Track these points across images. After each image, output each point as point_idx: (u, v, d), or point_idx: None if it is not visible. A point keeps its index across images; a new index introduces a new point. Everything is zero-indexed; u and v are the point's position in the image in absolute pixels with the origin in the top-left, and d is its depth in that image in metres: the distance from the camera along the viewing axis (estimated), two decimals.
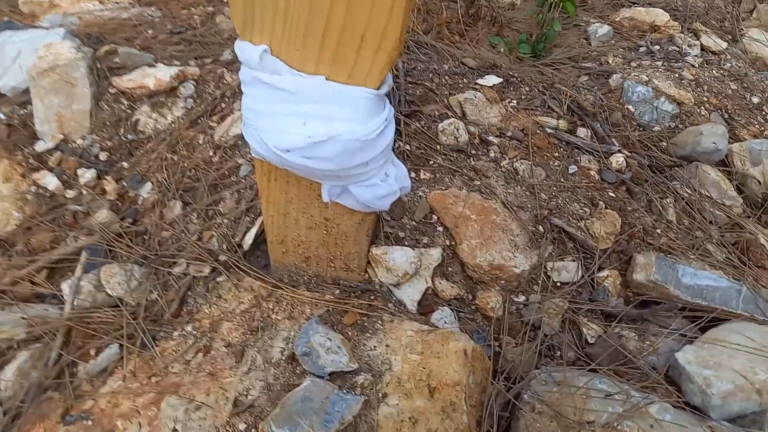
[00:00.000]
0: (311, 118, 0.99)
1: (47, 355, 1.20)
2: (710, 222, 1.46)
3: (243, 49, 1.00)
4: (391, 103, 1.28)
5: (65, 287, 1.29)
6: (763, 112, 1.94)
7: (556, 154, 1.48)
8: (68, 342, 1.23)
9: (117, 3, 2.48)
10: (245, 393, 1.09)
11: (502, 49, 2.04)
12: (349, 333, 1.15)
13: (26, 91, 1.72)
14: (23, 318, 1.24)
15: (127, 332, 1.20)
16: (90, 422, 1.08)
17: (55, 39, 1.78)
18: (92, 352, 1.21)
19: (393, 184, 1.11)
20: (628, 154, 1.54)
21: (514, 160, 1.43)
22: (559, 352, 1.25)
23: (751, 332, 1.18)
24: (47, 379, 1.16)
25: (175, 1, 2.42)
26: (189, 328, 1.23)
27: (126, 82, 1.58)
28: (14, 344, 1.24)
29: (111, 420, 1.07)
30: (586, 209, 1.38)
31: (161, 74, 1.58)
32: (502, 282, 1.28)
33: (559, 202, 1.38)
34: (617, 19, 2.23)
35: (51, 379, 1.16)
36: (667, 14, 2.23)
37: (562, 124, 1.56)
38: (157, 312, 1.27)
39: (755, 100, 1.96)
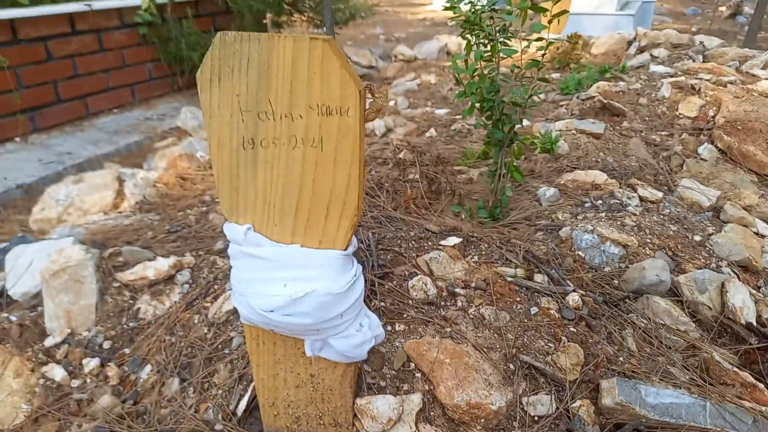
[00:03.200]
0: (290, 280, 1.16)
1: None
2: (668, 347, 1.58)
3: (230, 229, 1.20)
4: (364, 268, 1.46)
5: None
6: (706, 248, 2.14)
7: (518, 299, 1.64)
8: None
9: (120, 212, 2.78)
10: None
11: (463, 216, 2.30)
12: None
13: (36, 295, 1.90)
14: None
15: None
16: None
17: (65, 245, 2.01)
18: None
19: (367, 333, 1.25)
20: (583, 292, 1.70)
21: (480, 306, 1.58)
22: None
23: None
24: None
25: (172, 205, 2.73)
26: None
27: (128, 275, 1.77)
28: None
29: None
30: (551, 344, 1.50)
31: (160, 265, 1.78)
32: (482, 421, 1.35)
33: (525, 340, 1.50)
34: (562, 182, 2.54)
35: None
36: (604, 174, 2.55)
37: (520, 272, 1.74)
38: None
39: (697, 238, 2.18)
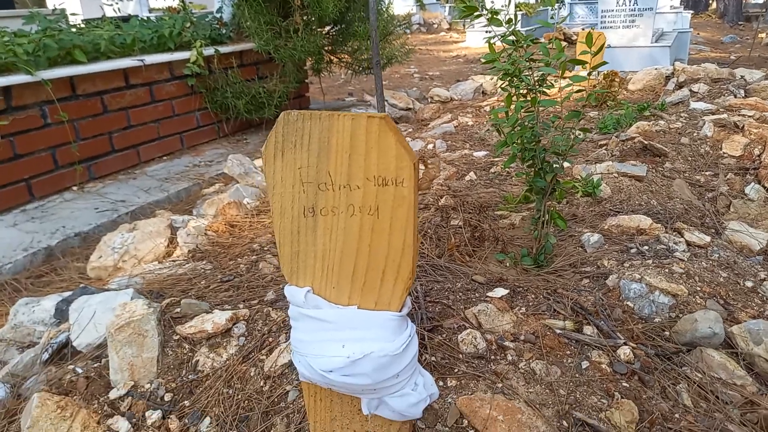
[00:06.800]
0: (348, 341, 1.21)
1: None
2: (726, 402, 1.56)
3: (291, 291, 1.26)
4: (413, 321, 1.50)
5: None
6: (759, 294, 2.11)
7: (568, 352, 1.65)
8: None
9: (173, 261, 2.89)
10: None
11: (508, 264, 2.32)
12: None
13: (99, 346, 1.99)
14: None
15: None
16: None
17: (126, 299, 2.10)
18: None
19: (422, 392, 1.28)
20: (634, 345, 1.70)
21: (530, 360, 1.60)
22: None
23: None
24: None
25: (223, 253, 2.83)
26: None
27: (188, 328, 1.85)
28: None
29: None
30: (604, 400, 1.50)
31: (217, 318, 1.86)
32: None
33: (578, 396, 1.51)
34: (606, 227, 2.54)
35: None
36: (649, 218, 2.55)
37: (569, 324, 1.75)
38: None
39: (749, 284, 2.15)
